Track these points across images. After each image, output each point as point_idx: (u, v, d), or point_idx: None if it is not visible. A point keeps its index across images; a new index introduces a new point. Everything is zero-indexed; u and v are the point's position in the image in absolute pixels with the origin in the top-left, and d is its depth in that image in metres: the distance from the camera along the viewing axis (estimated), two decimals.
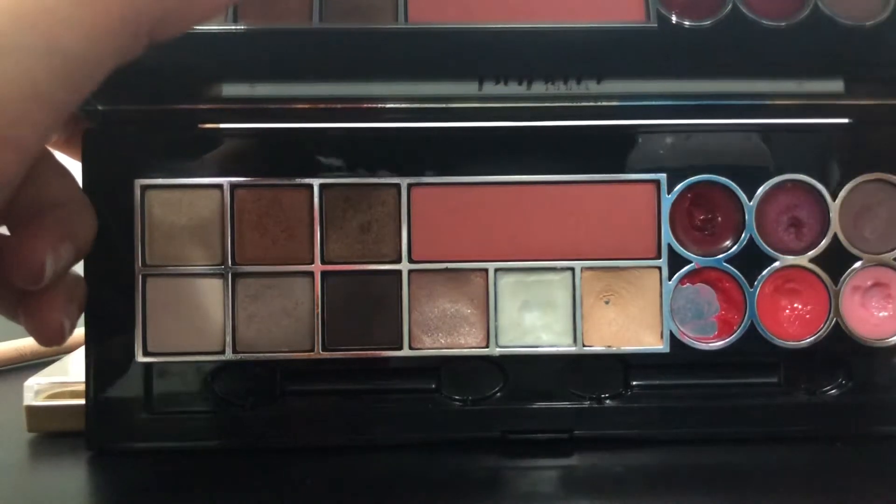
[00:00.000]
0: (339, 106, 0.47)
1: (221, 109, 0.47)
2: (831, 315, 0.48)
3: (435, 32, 0.46)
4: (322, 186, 0.47)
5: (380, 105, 0.47)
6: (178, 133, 0.47)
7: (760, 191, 0.48)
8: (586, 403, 0.48)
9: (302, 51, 0.47)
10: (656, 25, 0.47)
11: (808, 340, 0.48)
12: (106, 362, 0.46)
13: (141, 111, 0.47)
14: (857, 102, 0.49)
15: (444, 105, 0.47)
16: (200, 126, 0.47)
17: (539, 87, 0.47)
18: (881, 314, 0.48)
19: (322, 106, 0.47)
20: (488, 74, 0.46)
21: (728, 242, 0.48)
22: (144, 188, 0.46)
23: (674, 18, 0.47)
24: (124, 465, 0.45)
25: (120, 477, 0.44)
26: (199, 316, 0.46)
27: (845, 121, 0.48)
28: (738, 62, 0.48)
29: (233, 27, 0.46)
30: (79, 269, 0.44)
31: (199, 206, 0.47)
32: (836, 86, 0.49)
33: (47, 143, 0.41)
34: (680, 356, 0.48)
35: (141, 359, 0.46)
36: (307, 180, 0.47)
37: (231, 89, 0.47)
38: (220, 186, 0.46)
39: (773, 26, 0.47)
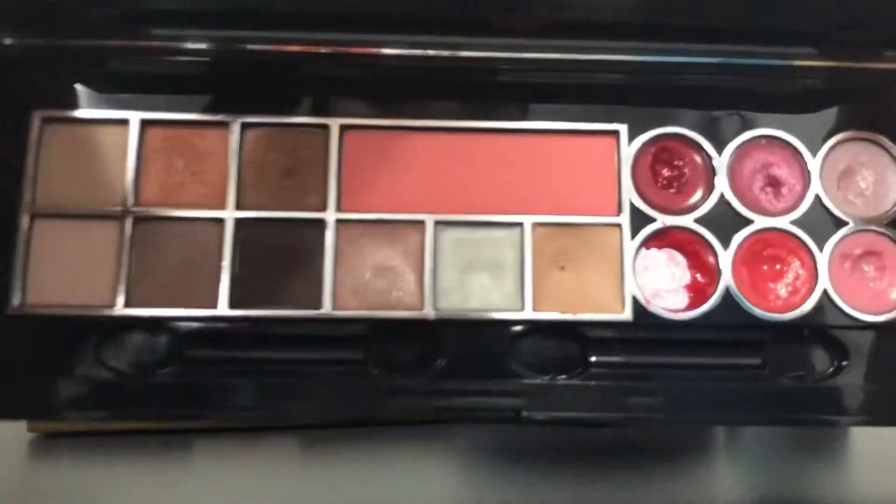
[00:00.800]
0: (259, 47, 0.42)
1: (134, 46, 0.43)
2: (818, 284, 0.42)
3: None
4: (243, 126, 0.42)
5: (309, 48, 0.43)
6: (86, 68, 0.42)
7: (732, 146, 0.43)
8: (537, 380, 0.41)
9: None
10: None
11: (794, 314, 0.41)
12: None
13: (47, 45, 0.42)
14: (834, 64, 0.45)
15: (381, 36, 0.42)
16: (110, 62, 0.43)
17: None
18: (876, 286, 0.42)
19: (245, 47, 0.43)
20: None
21: (697, 200, 0.43)
22: (45, 121, 0.41)
23: None
24: None
25: None
26: (88, 265, 0.40)
27: (821, 70, 0.44)
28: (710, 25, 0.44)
29: None
30: None
31: (103, 143, 0.41)
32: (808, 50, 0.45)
33: None
34: (645, 327, 0.41)
35: (14, 310, 0.39)
36: (225, 118, 0.42)
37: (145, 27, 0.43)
38: (126, 122, 0.41)
39: None
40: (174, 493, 0.39)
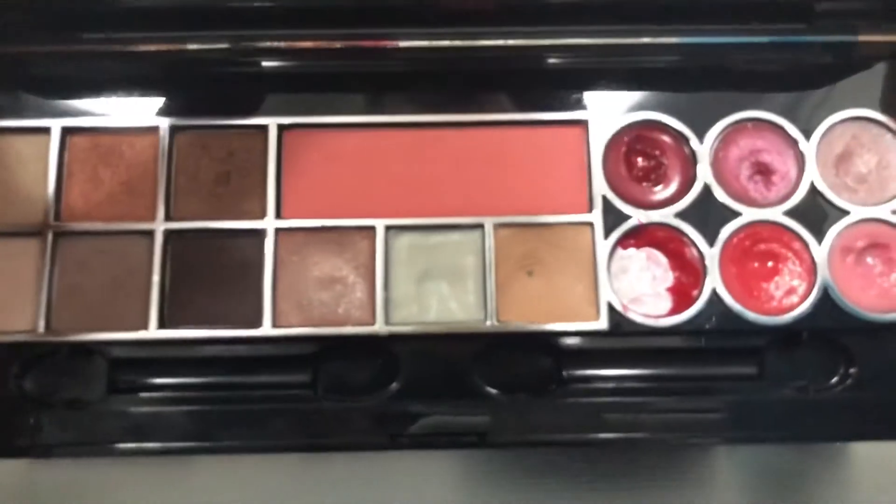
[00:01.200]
0: (190, 46, 0.39)
1: (59, 50, 0.39)
2: (818, 282, 0.37)
3: None
4: (172, 129, 0.38)
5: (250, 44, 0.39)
6: (6, 74, 0.39)
7: (714, 131, 0.39)
8: (505, 399, 0.36)
9: None
10: None
11: (792, 316, 0.37)
12: None
13: None
14: (825, 38, 0.40)
15: (324, 31, 0.39)
16: (33, 67, 0.39)
17: None
18: (883, 282, 0.37)
19: (180, 47, 0.39)
20: None
21: (677, 193, 0.38)
22: None
23: None
24: None
25: None
26: (6, 286, 0.36)
27: (812, 45, 0.40)
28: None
29: None
30: None
31: (22, 154, 0.38)
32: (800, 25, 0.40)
33: None
34: (624, 336, 0.37)
35: None
36: (154, 122, 0.38)
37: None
38: (48, 130, 0.38)
39: None
40: None
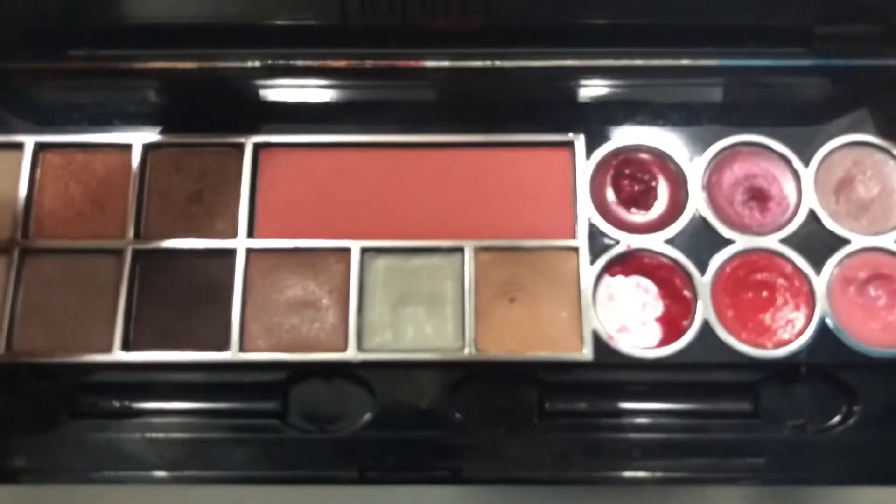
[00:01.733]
0: (163, 65, 0.38)
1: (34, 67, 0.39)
2: (817, 314, 0.35)
3: None
4: (146, 147, 0.37)
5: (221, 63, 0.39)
6: None
7: (707, 155, 0.37)
8: (480, 433, 0.34)
9: None
10: None
11: (789, 350, 0.35)
12: None
13: None
14: (825, 62, 0.39)
15: (299, 50, 0.38)
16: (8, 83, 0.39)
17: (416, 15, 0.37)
18: (888, 315, 0.35)
19: (154, 65, 0.39)
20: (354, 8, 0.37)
21: (667, 219, 0.37)
22: None
23: None
24: None
25: None
26: None
27: (811, 69, 0.38)
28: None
29: None
30: None
31: None
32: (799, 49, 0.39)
33: None
34: (610, 368, 0.35)
35: None
36: (127, 139, 0.37)
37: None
38: (21, 146, 0.37)
39: None
40: None
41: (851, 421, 0.34)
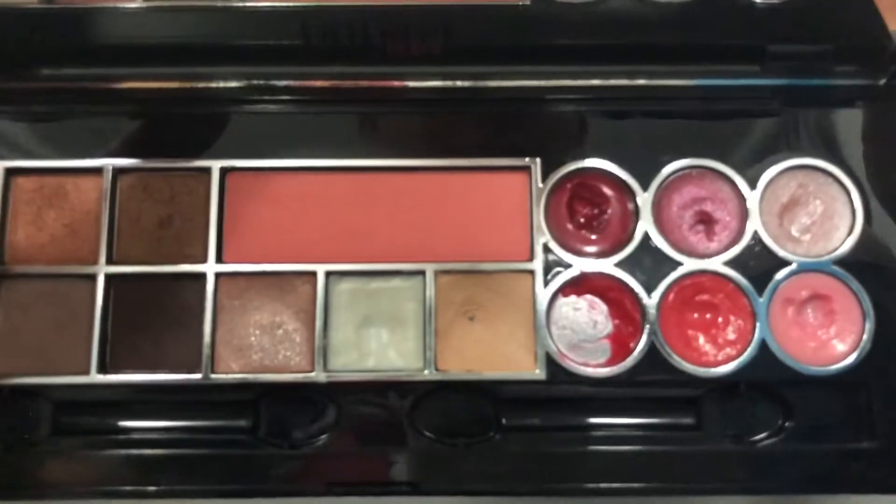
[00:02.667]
0: (134, 85, 0.39)
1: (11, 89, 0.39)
2: (756, 333, 0.37)
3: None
4: (116, 171, 0.38)
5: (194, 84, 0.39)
6: None
7: (658, 179, 0.39)
8: (439, 447, 0.36)
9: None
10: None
11: (730, 367, 0.37)
12: None
13: None
14: (776, 82, 0.40)
15: (264, 82, 0.39)
16: None
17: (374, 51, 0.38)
18: (823, 334, 0.37)
19: (125, 86, 0.39)
20: (316, 32, 0.38)
21: (620, 242, 0.38)
22: None
23: None
24: None
25: None
26: None
27: (762, 88, 0.39)
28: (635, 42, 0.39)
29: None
30: None
31: None
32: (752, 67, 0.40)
33: None
34: (560, 385, 0.37)
35: None
36: (98, 163, 0.38)
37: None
38: None
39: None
40: None
41: (787, 433, 0.37)
